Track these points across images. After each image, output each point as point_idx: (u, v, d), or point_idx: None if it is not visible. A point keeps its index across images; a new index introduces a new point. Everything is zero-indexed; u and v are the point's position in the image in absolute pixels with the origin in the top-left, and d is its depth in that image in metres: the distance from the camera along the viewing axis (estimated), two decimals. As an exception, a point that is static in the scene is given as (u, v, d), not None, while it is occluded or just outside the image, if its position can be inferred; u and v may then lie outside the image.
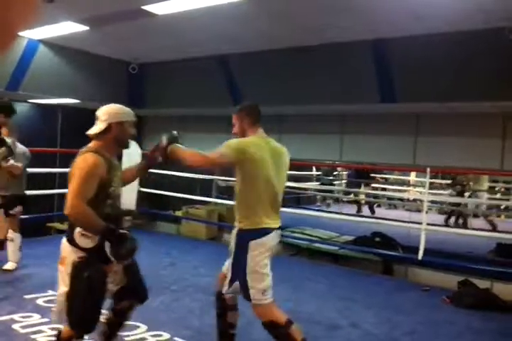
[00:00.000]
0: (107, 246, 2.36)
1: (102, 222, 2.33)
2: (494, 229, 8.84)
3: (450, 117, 6.15)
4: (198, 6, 4.34)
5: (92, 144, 2.50)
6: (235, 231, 2.93)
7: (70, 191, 2.33)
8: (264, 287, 2.74)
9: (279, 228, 2.90)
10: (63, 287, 2.40)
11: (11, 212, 4.75)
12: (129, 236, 2.43)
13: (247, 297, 2.75)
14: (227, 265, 2.99)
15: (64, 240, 2.48)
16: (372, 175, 12.99)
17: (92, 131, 2.51)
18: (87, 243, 2.37)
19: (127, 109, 2.59)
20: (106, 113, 2.51)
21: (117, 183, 2.59)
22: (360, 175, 11.55)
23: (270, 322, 2.75)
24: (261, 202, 2.80)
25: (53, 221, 7.20)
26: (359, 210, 11.39)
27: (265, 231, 2.77)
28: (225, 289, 2.89)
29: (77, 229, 2.37)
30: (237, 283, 2.78)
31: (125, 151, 6.48)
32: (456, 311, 4.42)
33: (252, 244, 2.74)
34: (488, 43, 4.78)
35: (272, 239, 2.80)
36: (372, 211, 11.41)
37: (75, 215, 2.32)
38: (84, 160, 2.39)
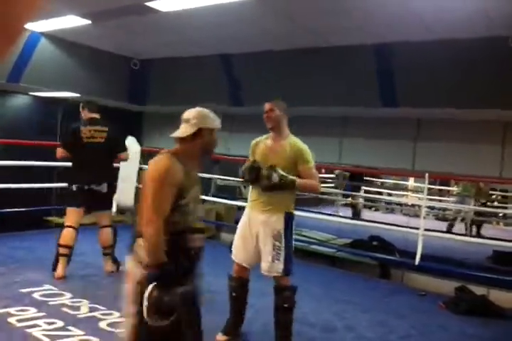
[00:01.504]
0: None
1: (164, 257, 2.04)
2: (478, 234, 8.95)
3: (450, 123, 6.17)
4: (202, 4, 4.33)
5: (174, 147, 2.27)
6: (273, 217, 3.23)
7: (146, 210, 2.06)
8: None
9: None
10: (130, 308, 2.12)
11: None
12: (178, 294, 2.01)
13: (288, 270, 3.24)
14: (252, 252, 3.31)
15: (129, 258, 2.18)
16: (370, 178, 13.02)
17: (179, 133, 2.25)
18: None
19: (216, 116, 2.36)
20: (197, 116, 2.28)
21: (193, 197, 2.24)
22: (354, 179, 11.52)
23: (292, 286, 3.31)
24: None
25: (51, 214, 7.17)
26: (355, 213, 11.36)
27: None
28: (280, 269, 3.21)
29: None
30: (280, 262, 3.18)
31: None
32: (452, 317, 4.42)
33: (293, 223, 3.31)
34: (489, 51, 4.81)
35: None
36: (357, 214, 11.24)
37: (150, 233, 2.03)
38: (156, 164, 2.14)
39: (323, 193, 10.65)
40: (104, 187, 4.62)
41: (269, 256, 3.20)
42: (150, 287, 1.97)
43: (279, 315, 3.29)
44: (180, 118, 2.32)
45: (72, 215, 4.59)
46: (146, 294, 1.96)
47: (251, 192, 3.49)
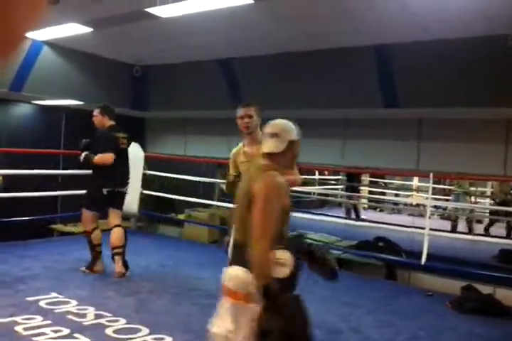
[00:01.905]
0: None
1: (270, 273, 2.03)
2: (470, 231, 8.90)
3: (453, 123, 6.15)
4: (201, 9, 4.35)
5: (266, 163, 2.25)
6: None
7: (255, 223, 2.05)
8: None
9: None
10: (230, 324, 2.04)
11: None
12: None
13: None
14: None
15: (235, 269, 2.13)
16: (374, 179, 13.00)
17: (273, 149, 2.24)
18: (283, 271, 2.06)
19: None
20: (284, 130, 2.28)
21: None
22: (350, 179, 11.43)
23: None
24: None
25: (56, 223, 7.20)
26: (350, 214, 11.16)
27: None
28: None
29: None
30: None
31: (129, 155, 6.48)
32: (459, 316, 4.41)
33: None
34: (488, 50, 4.80)
35: None
36: (353, 214, 11.05)
37: (258, 254, 2.03)
38: (272, 182, 2.13)
39: (327, 195, 10.62)
40: (127, 188, 5.10)
41: None
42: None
43: None
44: (263, 132, 2.35)
45: (94, 218, 5.01)
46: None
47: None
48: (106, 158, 4.83)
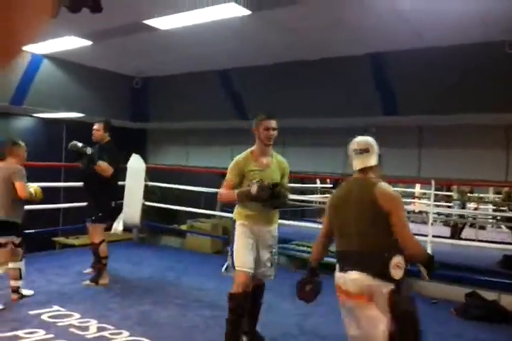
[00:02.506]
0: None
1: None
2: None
3: (453, 129, 6.16)
4: (200, 21, 4.38)
5: (368, 175, 2.53)
6: (273, 227, 3.60)
7: (403, 228, 2.35)
8: None
9: None
10: (382, 325, 2.26)
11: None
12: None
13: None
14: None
15: (355, 273, 2.36)
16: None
17: (372, 163, 2.54)
18: (399, 274, 2.31)
19: None
20: (373, 145, 2.58)
21: None
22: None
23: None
24: None
25: (58, 235, 7.19)
26: None
27: None
28: (273, 272, 3.61)
29: (395, 260, 2.29)
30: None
31: (130, 166, 6.51)
32: (464, 323, 4.37)
33: None
34: (486, 56, 4.81)
35: None
36: None
37: (419, 253, 2.40)
38: (395, 193, 2.48)
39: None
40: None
41: (268, 262, 3.53)
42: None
43: (257, 307, 3.60)
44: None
45: (103, 230, 5.13)
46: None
47: (242, 207, 3.47)
48: (109, 168, 4.82)
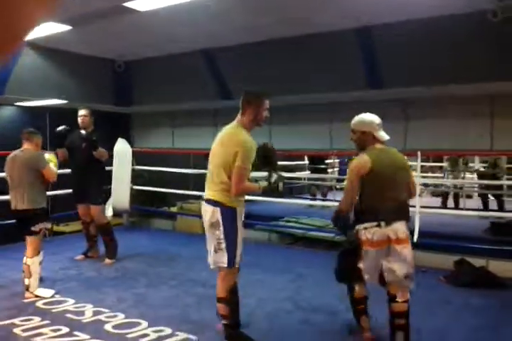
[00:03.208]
0: None
1: None
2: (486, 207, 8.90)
3: (438, 101, 6.18)
4: (179, 1, 4.31)
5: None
6: None
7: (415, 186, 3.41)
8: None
9: (208, 200, 3.16)
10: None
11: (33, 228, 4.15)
12: None
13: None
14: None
15: (403, 223, 3.05)
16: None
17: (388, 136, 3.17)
18: None
19: None
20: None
21: None
22: (313, 162, 11.19)
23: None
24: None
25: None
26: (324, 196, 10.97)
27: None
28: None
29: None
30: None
31: (116, 150, 6.51)
32: (454, 290, 4.47)
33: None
34: (471, 26, 4.80)
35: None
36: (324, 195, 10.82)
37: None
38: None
39: (316, 179, 10.57)
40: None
41: None
42: None
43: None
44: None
45: None
46: None
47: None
48: (106, 153, 5.21)
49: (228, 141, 3.09)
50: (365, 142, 3.13)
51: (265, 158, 3.22)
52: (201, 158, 8.09)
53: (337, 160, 12.93)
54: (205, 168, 6.30)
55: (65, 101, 6.99)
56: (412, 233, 5.21)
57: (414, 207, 5.43)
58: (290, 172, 9.06)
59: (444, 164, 10.53)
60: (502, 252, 4.95)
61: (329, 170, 11.74)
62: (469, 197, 9.71)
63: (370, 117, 3.17)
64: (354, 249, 3.11)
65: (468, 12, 4.64)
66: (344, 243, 3.49)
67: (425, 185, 10.01)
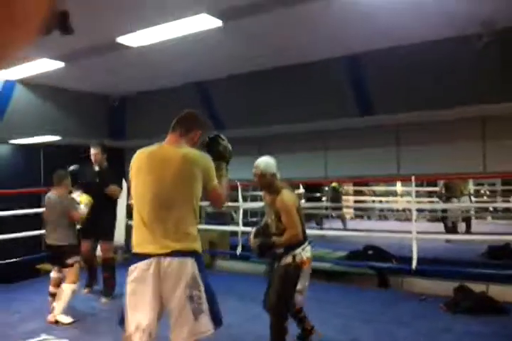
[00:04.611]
0: None
1: None
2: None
3: (430, 125, 6.25)
4: (171, 36, 4.41)
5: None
6: None
7: None
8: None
9: (172, 253, 2.28)
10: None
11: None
12: None
13: None
14: None
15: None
16: (359, 188, 13.08)
17: None
18: None
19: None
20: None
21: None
22: (309, 190, 11.21)
23: None
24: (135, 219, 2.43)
25: (41, 262, 6.99)
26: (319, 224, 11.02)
27: (138, 257, 2.34)
28: None
29: None
30: None
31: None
32: (454, 318, 4.40)
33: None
34: (458, 51, 4.90)
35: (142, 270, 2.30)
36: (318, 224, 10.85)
37: None
38: None
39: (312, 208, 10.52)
40: None
41: None
42: None
43: None
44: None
45: None
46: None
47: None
48: (119, 191, 5.21)
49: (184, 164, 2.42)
50: (275, 182, 3.35)
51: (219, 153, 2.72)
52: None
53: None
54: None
55: (58, 138, 7.03)
56: (410, 260, 5.22)
57: (410, 233, 5.41)
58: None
59: (437, 188, 10.55)
60: (501, 276, 4.92)
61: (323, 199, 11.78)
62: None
63: (272, 159, 3.40)
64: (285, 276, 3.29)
65: (454, 36, 4.76)
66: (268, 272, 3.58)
67: (421, 210, 10.01)
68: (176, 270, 2.24)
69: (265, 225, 3.46)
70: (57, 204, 4.55)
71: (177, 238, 2.30)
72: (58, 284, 4.57)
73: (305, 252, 3.31)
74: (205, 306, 2.27)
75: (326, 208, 10.98)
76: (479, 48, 4.65)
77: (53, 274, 4.72)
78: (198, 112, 2.82)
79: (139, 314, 2.29)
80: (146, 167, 2.43)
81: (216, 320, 2.32)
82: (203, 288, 2.29)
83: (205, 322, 2.26)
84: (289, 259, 3.27)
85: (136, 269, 2.31)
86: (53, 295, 4.61)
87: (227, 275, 6.25)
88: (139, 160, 2.49)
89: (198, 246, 2.37)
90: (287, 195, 3.29)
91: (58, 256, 4.51)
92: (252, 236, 3.41)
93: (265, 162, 3.37)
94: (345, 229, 10.20)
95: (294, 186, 11.91)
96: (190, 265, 2.27)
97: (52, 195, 4.68)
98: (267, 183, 3.36)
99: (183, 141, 2.53)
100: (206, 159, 2.47)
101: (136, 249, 2.35)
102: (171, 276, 2.24)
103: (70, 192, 4.78)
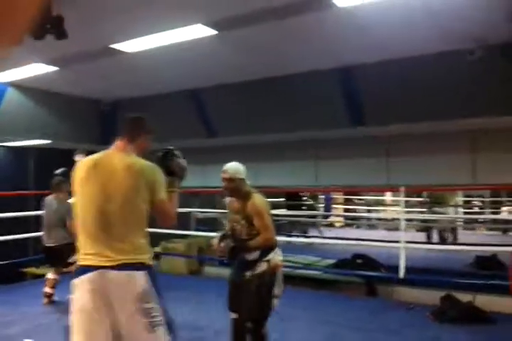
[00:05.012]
0: None
1: None
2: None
3: (420, 137, 6.31)
4: (164, 43, 4.42)
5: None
6: None
7: None
8: None
9: (119, 266, 2.16)
10: None
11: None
12: None
13: None
14: None
15: None
16: (349, 197, 13.14)
17: None
18: None
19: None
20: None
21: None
22: (290, 198, 11.36)
23: None
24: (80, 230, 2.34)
25: (27, 266, 6.94)
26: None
27: (82, 270, 2.23)
28: None
29: None
30: None
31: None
32: (441, 327, 4.42)
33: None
34: (450, 65, 4.97)
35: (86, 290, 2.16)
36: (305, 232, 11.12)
37: None
38: None
39: (297, 216, 10.56)
40: None
41: None
42: None
43: None
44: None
45: None
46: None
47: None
48: None
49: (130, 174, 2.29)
50: (244, 186, 3.32)
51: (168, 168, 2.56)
52: (187, 196, 8.07)
53: (321, 197, 13.04)
54: (190, 206, 6.11)
55: (49, 141, 7.00)
56: (398, 269, 5.25)
57: (398, 242, 5.44)
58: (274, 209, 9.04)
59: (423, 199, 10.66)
60: (488, 286, 4.95)
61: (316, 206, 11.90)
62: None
63: (241, 165, 3.38)
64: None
65: (446, 51, 4.82)
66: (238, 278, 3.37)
67: (410, 220, 10.06)
68: (124, 283, 2.15)
69: (232, 231, 3.36)
70: (57, 209, 4.73)
71: (124, 250, 2.19)
72: (54, 286, 4.73)
73: (278, 256, 3.31)
74: (158, 319, 2.19)
75: (311, 216, 11.11)
76: (471, 63, 4.72)
77: (50, 276, 4.84)
78: (144, 116, 2.65)
79: None
80: (91, 177, 2.29)
81: (170, 330, 2.27)
82: (157, 302, 2.22)
83: (161, 335, 2.19)
84: (263, 267, 3.21)
85: (80, 285, 2.18)
86: (49, 296, 4.74)
87: (215, 282, 6.22)
88: (82, 171, 2.33)
89: (147, 257, 2.26)
90: (259, 199, 3.27)
91: (58, 257, 4.65)
92: (216, 240, 3.32)
93: (234, 166, 3.34)
94: (323, 237, 10.30)
95: (274, 194, 12.05)
96: (138, 278, 2.17)
97: (51, 198, 4.83)
98: (235, 188, 3.30)
99: (131, 147, 2.41)
100: (154, 170, 2.34)
101: (82, 261, 2.24)
102: (117, 290, 2.13)
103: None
